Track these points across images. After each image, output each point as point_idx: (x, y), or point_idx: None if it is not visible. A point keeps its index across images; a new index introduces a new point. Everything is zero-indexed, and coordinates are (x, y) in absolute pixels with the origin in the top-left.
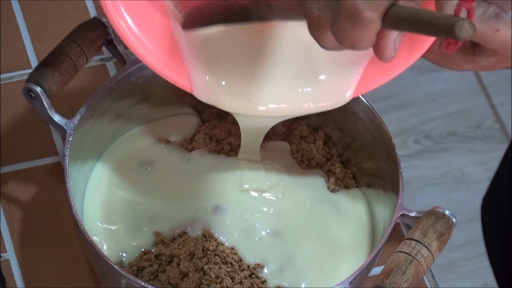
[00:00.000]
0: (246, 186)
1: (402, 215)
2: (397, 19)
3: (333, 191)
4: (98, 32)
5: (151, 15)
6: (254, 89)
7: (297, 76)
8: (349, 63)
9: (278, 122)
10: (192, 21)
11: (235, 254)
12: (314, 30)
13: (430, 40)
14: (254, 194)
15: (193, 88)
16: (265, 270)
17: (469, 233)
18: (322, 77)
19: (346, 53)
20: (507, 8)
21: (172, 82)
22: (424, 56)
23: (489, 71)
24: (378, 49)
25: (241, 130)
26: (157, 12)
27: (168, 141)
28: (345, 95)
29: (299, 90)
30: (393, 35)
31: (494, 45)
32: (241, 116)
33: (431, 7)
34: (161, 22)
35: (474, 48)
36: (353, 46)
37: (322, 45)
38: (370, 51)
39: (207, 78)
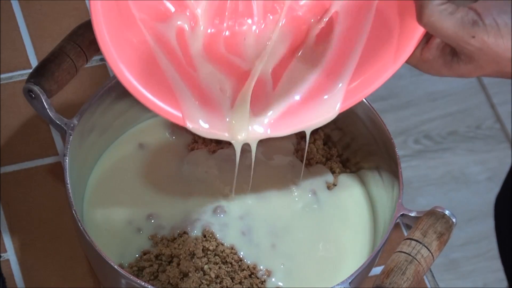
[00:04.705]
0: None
1: (402, 215)
2: None
3: (332, 190)
4: None
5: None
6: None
7: (287, 99)
8: (334, 78)
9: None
10: None
11: (235, 254)
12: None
13: (415, 42)
14: (254, 194)
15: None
16: (265, 270)
17: (469, 233)
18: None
19: (331, 69)
20: (484, 16)
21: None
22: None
23: (467, 77)
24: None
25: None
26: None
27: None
28: (335, 109)
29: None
30: None
31: (469, 50)
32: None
33: None
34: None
35: (453, 55)
36: None
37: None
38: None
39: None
